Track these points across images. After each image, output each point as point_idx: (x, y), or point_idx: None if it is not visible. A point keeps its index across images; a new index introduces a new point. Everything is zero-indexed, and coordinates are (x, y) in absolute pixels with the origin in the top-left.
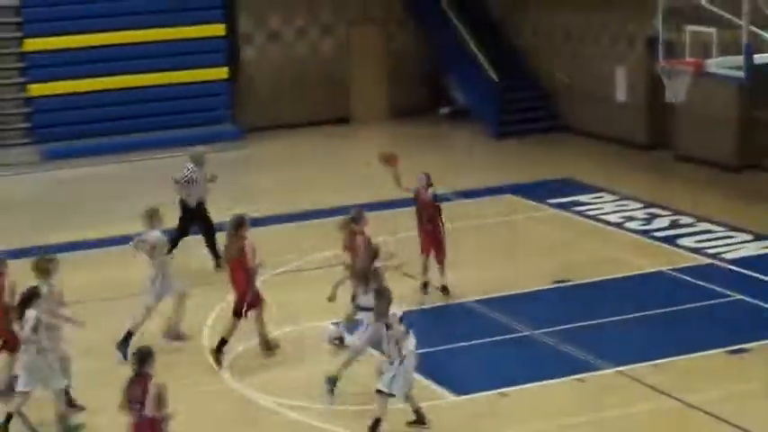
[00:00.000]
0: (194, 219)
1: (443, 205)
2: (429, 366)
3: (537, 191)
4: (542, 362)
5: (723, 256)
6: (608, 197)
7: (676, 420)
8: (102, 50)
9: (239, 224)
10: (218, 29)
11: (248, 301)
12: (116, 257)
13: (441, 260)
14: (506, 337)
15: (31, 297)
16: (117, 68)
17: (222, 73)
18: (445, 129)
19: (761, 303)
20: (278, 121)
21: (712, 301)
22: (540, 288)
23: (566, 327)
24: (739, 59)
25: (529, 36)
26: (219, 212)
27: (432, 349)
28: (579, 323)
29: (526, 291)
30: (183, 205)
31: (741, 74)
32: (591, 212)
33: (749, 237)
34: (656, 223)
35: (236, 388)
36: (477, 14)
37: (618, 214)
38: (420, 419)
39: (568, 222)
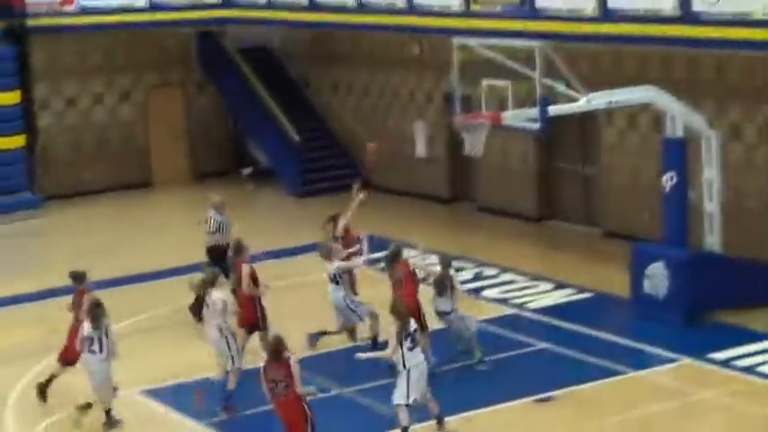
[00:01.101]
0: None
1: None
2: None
3: None
4: (355, 421)
5: (527, 305)
6: (412, 252)
7: None
8: None
9: (237, 251)
10: (14, 96)
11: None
12: None
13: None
14: (320, 396)
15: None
16: None
17: (19, 141)
18: (248, 190)
19: (564, 351)
20: (78, 187)
21: (518, 351)
22: (348, 346)
23: (374, 384)
24: (534, 112)
25: (329, 94)
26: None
27: (243, 413)
28: (386, 380)
29: (335, 349)
30: (216, 250)
31: (536, 125)
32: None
33: (551, 285)
34: (461, 275)
35: None
36: (275, 74)
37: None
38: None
39: (374, 279)
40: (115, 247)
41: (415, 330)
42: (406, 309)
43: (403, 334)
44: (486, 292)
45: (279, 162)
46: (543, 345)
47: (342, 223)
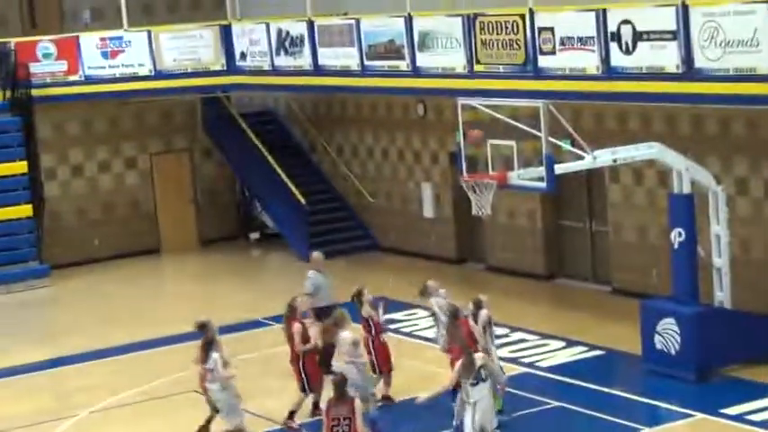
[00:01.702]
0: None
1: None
2: None
3: (350, 310)
4: None
5: (538, 364)
6: (422, 313)
7: None
8: None
9: (289, 310)
10: (21, 166)
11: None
12: None
13: None
14: None
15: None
16: None
17: (26, 210)
18: (256, 255)
19: (577, 408)
20: (86, 255)
21: (530, 410)
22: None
23: None
24: (541, 170)
25: (334, 156)
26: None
27: None
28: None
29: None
30: (316, 312)
31: (543, 184)
32: (406, 329)
33: (561, 344)
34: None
35: None
36: (279, 138)
37: (433, 329)
38: None
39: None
40: (124, 314)
41: (480, 367)
42: (469, 344)
43: (467, 370)
44: (498, 351)
45: (286, 226)
46: (555, 403)
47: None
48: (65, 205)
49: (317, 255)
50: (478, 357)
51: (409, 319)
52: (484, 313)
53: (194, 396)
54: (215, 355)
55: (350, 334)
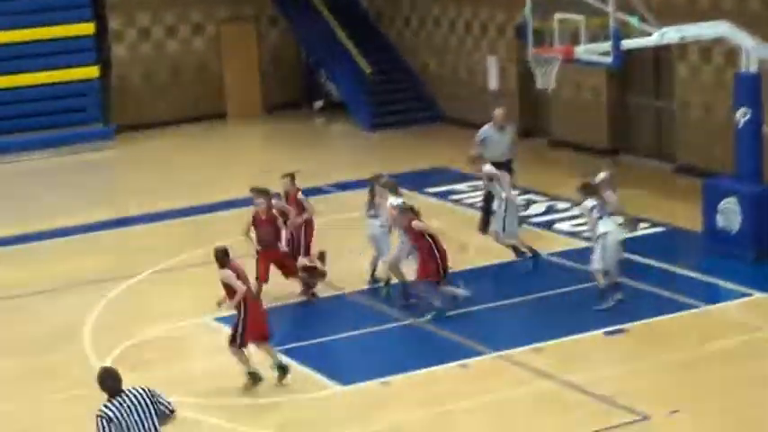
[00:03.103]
0: None
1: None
2: (313, 358)
3: (413, 181)
4: (425, 349)
5: None
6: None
7: (558, 401)
8: None
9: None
10: (88, 27)
11: None
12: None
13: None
14: (388, 326)
15: None
16: None
17: (92, 72)
18: (320, 123)
19: (636, 284)
20: (151, 119)
21: (589, 285)
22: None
23: (447, 314)
24: (607, 45)
25: (401, 27)
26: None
27: (315, 341)
28: (460, 310)
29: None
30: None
31: (609, 59)
32: (467, 201)
33: (623, 219)
34: (533, 209)
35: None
36: (348, 7)
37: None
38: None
39: (445, 211)
40: (188, 177)
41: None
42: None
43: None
44: (558, 226)
45: (350, 95)
46: (615, 279)
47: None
48: (132, 68)
49: (498, 111)
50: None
51: (470, 192)
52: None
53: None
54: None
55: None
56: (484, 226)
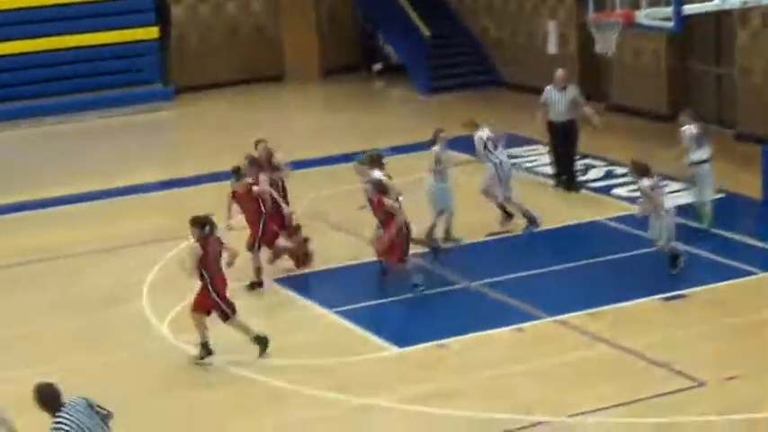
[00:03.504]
0: None
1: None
2: (370, 320)
3: (472, 145)
4: (481, 313)
5: None
6: (542, 149)
7: (613, 366)
8: (29, 12)
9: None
10: None
11: None
12: (55, 219)
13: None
14: (445, 289)
15: None
16: (45, 30)
17: (152, 32)
18: (378, 86)
19: (695, 250)
20: (209, 79)
21: (647, 250)
22: (477, 240)
23: (503, 278)
24: (668, 10)
25: None
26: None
27: (372, 302)
28: (516, 274)
29: (463, 243)
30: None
31: (670, 24)
32: (526, 165)
33: (681, 185)
34: (591, 174)
35: (178, 346)
36: None
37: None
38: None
39: None
40: (244, 139)
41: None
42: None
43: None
44: (616, 191)
45: (409, 59)
46: (673, 244)
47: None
48: (190, 29)
49: (560, 71)
50: None
51: (529, 156)
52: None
53: (311, 224)
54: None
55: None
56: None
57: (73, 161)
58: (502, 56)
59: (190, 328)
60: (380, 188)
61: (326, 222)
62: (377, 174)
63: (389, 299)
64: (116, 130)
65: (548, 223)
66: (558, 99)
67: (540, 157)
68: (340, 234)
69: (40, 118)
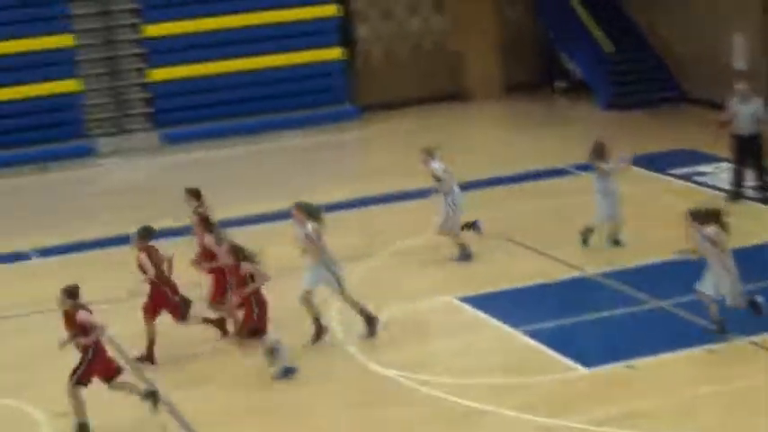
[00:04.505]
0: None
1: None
2: (558, 339)
3: (658, 162)
4: (671, 333)
5: None
6: (729, 166)
7: None
8: (219, 34)
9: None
10: (331, 9)
11: None
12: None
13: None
14: (634, 308)
15: None
16: (234, 51)
17: (337, 53)
18: (561, 103)
19: None
20: (392, 98)
21: None
22: (665, 259)
23: (693, 298)
24: None
25: (644, 6)
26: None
27: (560, 322)
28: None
29: (651, 262)
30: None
31: None
32: (712, 182)
33: None
34: None
35: (366, 363)
36: None
37: None
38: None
39: (690, 193)
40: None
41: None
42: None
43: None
44: None
45: (591, 75)
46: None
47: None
48: (374, 48)
49: (741, 84)
50: None
51: (716, 173)
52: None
53: (501, 242)
54: None
55: None
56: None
57: (261, 181)
58: (686, 71)
59: (381, 346)
60: (236, 253)
61: (512, 241)
62: (309, 226)
63: (578, 318)
64: (306, 150)
65: (733, 243)
66: (743, 111)
67: (726, 174)
68: (528, 252)
69: (227, 139)
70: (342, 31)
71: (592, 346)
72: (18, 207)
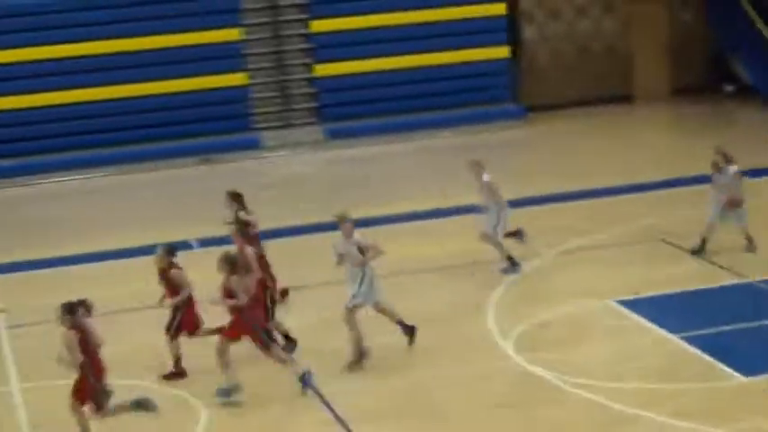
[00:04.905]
0: None
1: None
2: (716, 346)
3: None
4: None
5: None
6: None
7: None
8: (385, 30)
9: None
10: (499, 8)
11: None
12: (402, 234)
13: None
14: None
15: None
16: (399, 48)
17: (503, 52)
18: (729, 107)
19: None
20: (558, 99)
21: None
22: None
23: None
24: None
25: None
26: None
27: (718, 329)
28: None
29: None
30: None
31: None
32: None
33: None
34: None
35: (522, 364)
36: None
37: None
38: None
39: None
40: (592, 160)
41: None
42: None
43: None
44: None
45: (762, 80)
46: None
47: None
48: (540, 48)
49: None
50: None
51: None
52: None
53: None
54: None
55: None
56: None
57: (418, 177)
58: None
59: (538, 347)
60: (230, 265)
61: (672, 244)
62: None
63: (737, 325)
64: (466, 148)
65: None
66: None
67: None
68: (688, 257)
69: (393, 135)
70: (509, 30)
71: (751, 354)
72: (184, 196)
